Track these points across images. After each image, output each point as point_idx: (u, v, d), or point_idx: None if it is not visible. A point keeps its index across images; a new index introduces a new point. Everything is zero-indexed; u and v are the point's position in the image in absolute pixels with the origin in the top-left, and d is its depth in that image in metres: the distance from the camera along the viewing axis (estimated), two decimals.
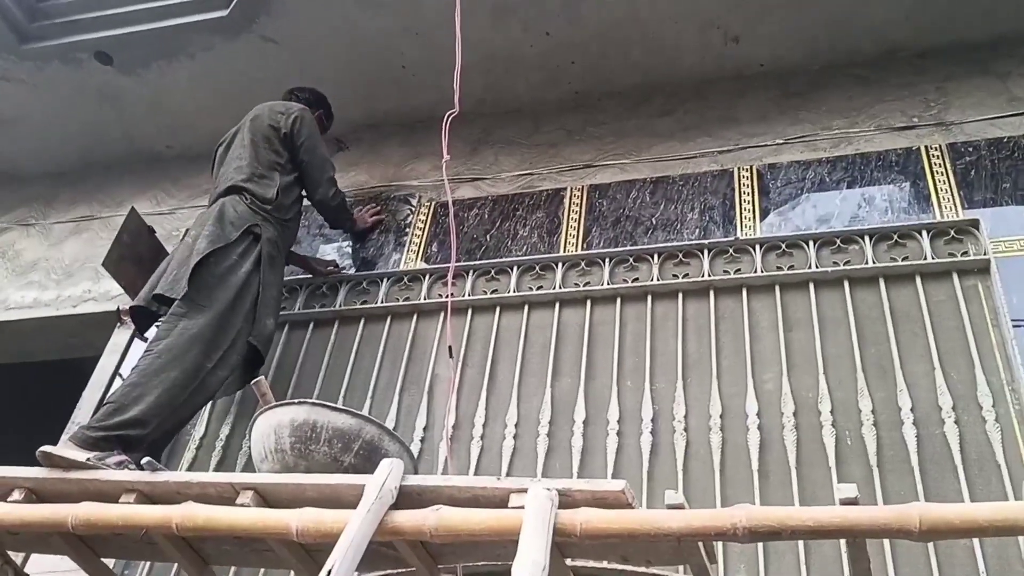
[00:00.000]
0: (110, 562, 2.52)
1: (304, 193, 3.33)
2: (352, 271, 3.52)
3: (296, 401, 2.36)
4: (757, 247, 3.02)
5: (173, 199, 4.12)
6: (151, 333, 2.79)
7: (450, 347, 2.96)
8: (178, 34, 3.77)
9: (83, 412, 3.21)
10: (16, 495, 2.29)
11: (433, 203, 3.67)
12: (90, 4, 3.84)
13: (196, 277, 2.71)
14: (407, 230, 3.61)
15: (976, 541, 2.22)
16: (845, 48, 3.47)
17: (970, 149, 3.09)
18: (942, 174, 3.05)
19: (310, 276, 3.50)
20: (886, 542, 2.25)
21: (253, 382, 2.69)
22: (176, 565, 2.66)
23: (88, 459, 2.34)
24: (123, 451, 2.41)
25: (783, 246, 3.01)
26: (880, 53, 3.45)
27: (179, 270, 2.77)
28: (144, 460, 2.38)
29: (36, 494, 2.30)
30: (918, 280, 2.79)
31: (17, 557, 2.33)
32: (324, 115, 3.60)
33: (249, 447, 2.68)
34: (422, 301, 3.28)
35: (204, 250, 2.76)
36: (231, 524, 2.09)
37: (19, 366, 4.23)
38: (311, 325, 3.37)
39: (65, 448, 2.36)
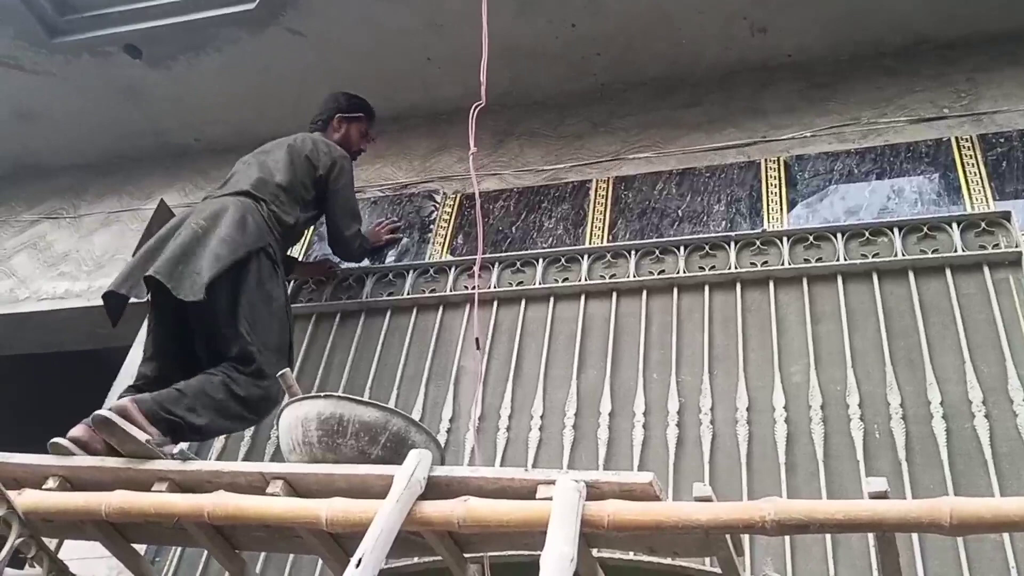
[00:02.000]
0: (141, 548, 2.56)
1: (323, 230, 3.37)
2: (379, 263, 3.54)
3: (322, 394, 2.36)
4: (784, 239, 3.01)
5: (201, 191, 4.15)
6: None
7: (477, 339, 2.97)
8: (205, 28, 3.80)
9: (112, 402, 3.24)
10: (50, 483, 2.33)
11: (459, 195, 3.68)
12: None
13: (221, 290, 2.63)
14: (432, 223, 3.62)
15: (1006, 536, 2.21)
16: (871, 38, 3.45)
17: (1001, 140, 3.06)
18: (973, 165, 3.03)
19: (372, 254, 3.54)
20: (915, 536, 2.24)
21: (279, 374, 2.70)
22: (206, 552, 2.70)
23: (148, 440, 2.35)
24: (172, 441, 2.43)
25: (811, 238, 2.99)
26: (907, 43, 3.42)
27: (187, 263, 2.62)
28: (176, 450, 2.41)
29: (70, 482, 2.34)
30: (948, 273, 2.77)
31: (51, 543, 2.37)
32: (367, 119, 3.50)
33: (277, 437, 2.71)
34: (448, 293, 3.29)
35: (226, 259, 2.63)
36: (261, 513, 2.12)
37: (49, 356, 4.29)
38: (337, 317, 3.39)
39: (128, 413, 2.38)
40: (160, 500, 2.21)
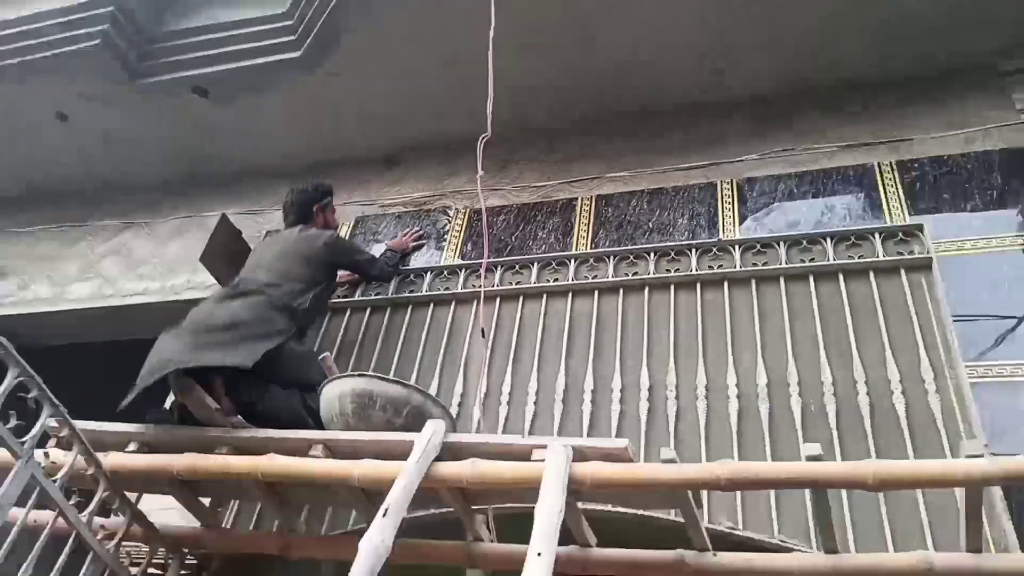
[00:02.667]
0: (206, 501, 2.57)
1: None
2: (403, 266, 3.52)
3: (356, 374, 2.37)
4: (737, 247, 3.01)
5: (257, 206, 4.16)
6: None
7: (482, 329, 2.97)
8: (259, 72, 3.78)
9: None
10: (132, 446, 2.34)
11: (468, 210, 3.68)
12: (188, 47, 3.87)
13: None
14: (446, 233, 3.62)
15: (919, 492, 2.21)
16: (813, 79, 3.43)
17: (916, 165, 3.05)
18: (892, 186, 3.02)
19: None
20: (843, 492, 2.25)
21: (320, 357, 2.71)
22: (259, 504, 2.71)
23: (217, 409, 2.37)
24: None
25: (758, 246, 2.99)
26: (842, 83, 3.40)
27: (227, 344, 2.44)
28: (235, 418, 2.42)
29: (148, 446, 2.35)
30: (871, 275, 2.77)
31: (132, 497, 2.38)
32: (332, 197, 3.34)
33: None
34: (459, 291, 3.29)
35: (257, 352, 2.45)
36: (305, 471, 2.13)
37: (130, 342, 4.28)
38: (368, 311, 3.39)
39: (213, 386, 2.39)
40: (222, 461, 2.23)
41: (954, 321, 2.52)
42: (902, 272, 2.74)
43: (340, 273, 3.30)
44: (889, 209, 2.95)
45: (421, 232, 3.65)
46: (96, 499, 2.16)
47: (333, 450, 2.18)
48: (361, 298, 3.44)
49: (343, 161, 4.11)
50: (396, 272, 3.40)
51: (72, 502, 2.11)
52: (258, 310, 2.61)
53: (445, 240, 3.58)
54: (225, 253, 3.40)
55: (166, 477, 2.27)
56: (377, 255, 3.39)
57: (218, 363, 2.34)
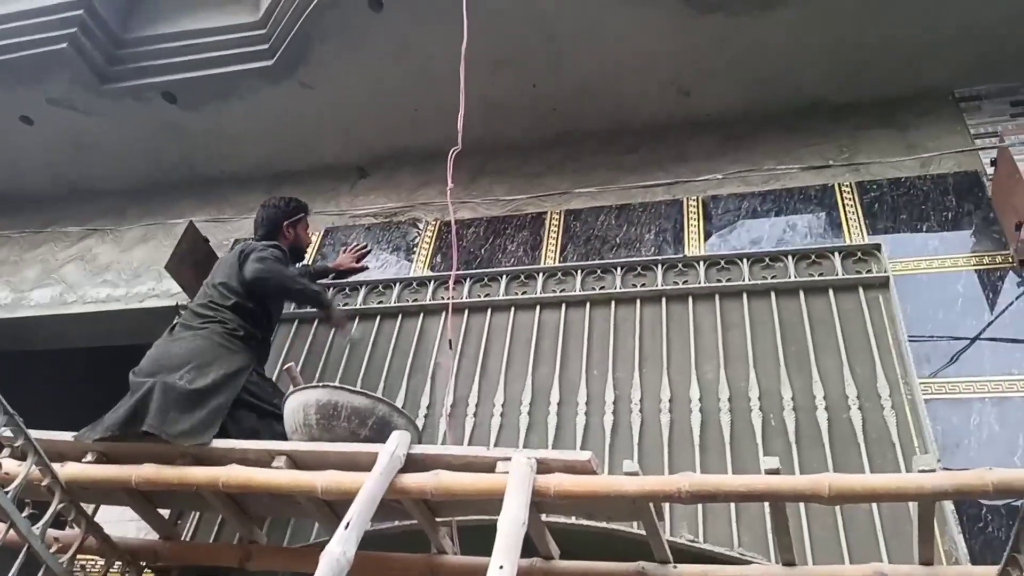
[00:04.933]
0: (165, 513, 2.51)
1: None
2: (347, 282, 3.49)
3: (321, 384, 2.33)
4: (701, 263, 3.03)
5: (224, 214, 4.11)
6: None
7: (450, 340, 2.96)
8: (231, 79, 3.75)
9: None
10: (89, 457, 2.28)
11: (438, 222, 3.67)
12: (159, 53, 3.82)
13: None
14: (416, 245, 3.60)
15: (874, 505, 2.24)
16: (776, 102, 3.48)
17: (874, 187, 3.11)
18: (852, 206, 3.07)
19: (340, 278, 3.47)
20: (801, 505, 2.26)
21: (285, 367, 2.67)
22: (221, 515, 2.65)
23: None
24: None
25: (722, 262, 3.02)
26: (804, 106, 3.46)
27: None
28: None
29: (106, 456, 2.29)
30: (831, 292, 2.81)
31: (88, 508, 2.31)
32: (306, 214, 3.16)
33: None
34: (428, 302, 3.28)
35: (217, 419, 2.35)
36: (267, 483, 2.09)
37: (92, 349, 4.19)
38: None
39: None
40: (182, 472, 2.17)
41: (909, 340, 2.57)
42: (860, 290, 2.78)
43: (344, 264, 3.28)
44: (848, 228, 3.00)
45: (367, 248, 3.59)
46: (51, 511, 2.09)
47: (296, 461, 2.14)
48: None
49: (313, 170, 4.08)
50: (315, 298, 2.96)
51: (25, 514, 2.04)
52: (214, 350, 2.51)
53: (415, 252, 3.57)
54: (191, 261, 3.34)
55: (124, 488, 2.21)
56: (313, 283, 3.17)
57: (184, 440, 2.24)
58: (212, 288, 2.75)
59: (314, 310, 3.20)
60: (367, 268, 3.51)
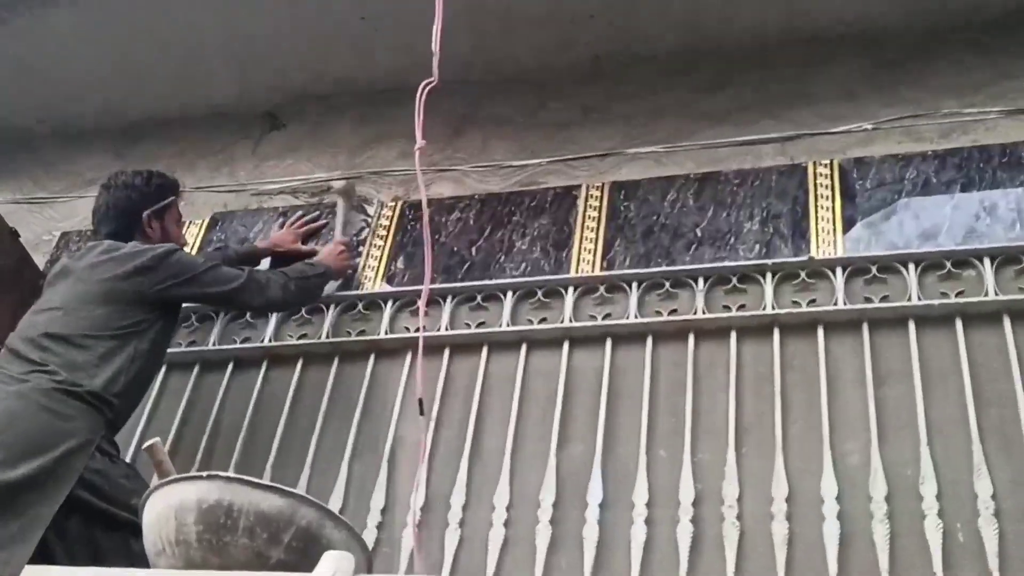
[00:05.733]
0: None
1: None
2: None
3: (204, 474, 2.31)
4: (838, 270, 3.02)
5: (44, 190, 4.12)
6: None
7: (420, 400, 2.94)
8: None
9: None
10: None
11: (399, 203, 3.67)
12: None
13: None
14: (362, 242, 3.61)
15: None
16: (960, 5, 3.49)
17: None
18: None
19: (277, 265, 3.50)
20: None
21: (146, 445, 2.66)
22: None
23: None
24: None
25: (873, 270, 3.01)
26: (1007, 13, 3.46)
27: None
28: None
29: None
30: None
31: None
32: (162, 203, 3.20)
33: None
34: (382, 336, 3.28)
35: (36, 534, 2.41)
36: None
37: None
38: (230, 366, 3.37)
39: None
40: None
41: None
42: None
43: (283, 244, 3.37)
44: None
45: (320, 222, 3.65)
46: None
47: None
48: (219, 347, 3.42)
49: (192, 119, 4.10)
50: (308, 294, 3.28)
51: None
52: (34, 418, 2.54)
53: (361, 252, 3.56)
54: None
55: None
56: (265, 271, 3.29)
57: None
58: (55, 314, 2.80)
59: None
60: (316, 253, 3.50)
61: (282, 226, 3.71)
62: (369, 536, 2.83)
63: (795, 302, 3.01)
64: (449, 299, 3.29)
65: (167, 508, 2.30)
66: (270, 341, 3.38)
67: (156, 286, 2.91)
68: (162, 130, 4.12)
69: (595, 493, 2.79)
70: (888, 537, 2.54)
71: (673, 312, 3.09)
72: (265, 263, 3.58)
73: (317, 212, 3.68)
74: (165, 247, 3.00)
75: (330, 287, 3.44)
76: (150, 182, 3.14)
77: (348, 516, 2.66)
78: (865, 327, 2.91)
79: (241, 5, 3.80)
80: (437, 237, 3.45)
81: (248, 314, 3.47)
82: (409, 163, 3.34)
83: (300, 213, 3.72)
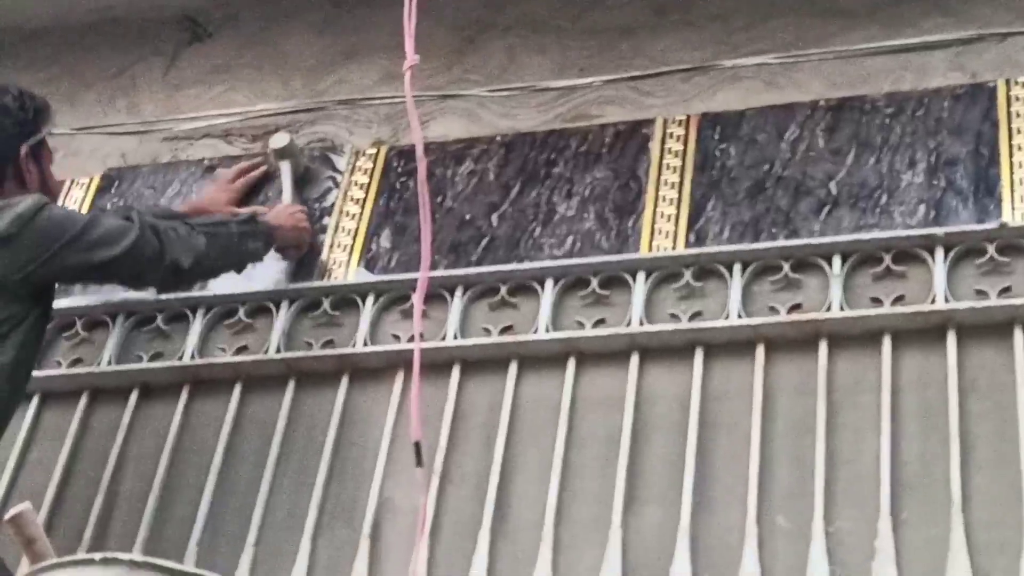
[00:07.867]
0: None
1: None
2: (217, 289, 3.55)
3: (98, 557, 2.34)
4: None
5: None
6: None
7: (417, 444, 2.95)
8: None
9: None
10: None
11: (383, 150, 3.69)
12: None
13: None
14: (329, 208, 3.62)
15: None
16: None
17: None
18: None
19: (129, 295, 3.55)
20: None
21: (8, 516, 2.69)
22: None
23: None
24: None
25: None
26: None
27: None
28: None
29: None
30: None
31: None
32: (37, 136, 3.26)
33: None
34: (359, 350, 3.31)
35: None
36: None
37: None
38: (134, 395, 3.42)
39: None
40: None
41: None
42: None
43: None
44: None
45: (264, 167, 3.74)
46: None
47: None
48: (117, 367, 3.46)
49: (76, 27, 4.13)
50: (229, 255, 3.28)
51: None
52: None
53: (326, 222, 3.58)
54: None
55: None
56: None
57: None
58: None
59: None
60: (263, 214, 3.52)
61: (217, 182, 3.75)
62: None
63: (980, 292, 3.01)
64: (459, 292, 3.33)
65: None
66: (193, 358, 3.41)
67: (25, 267, 2.89)
68: (30, 44, 4.15)
69: (681, 572, 2.79)
70: None
71: (795, 309, 3.11)
72: None
73: (260, 160, 3.69)
74: (31, 201, 2.97)
75: (278, 271, 3.46)
76: (23, 102, 3.15)
77: None
78: None
79: None
80: (440, 200, 3.47)
81: (160, 318, 3.49)
82: (397, 89, 3.34)
83: (239, 166, 3.76)
